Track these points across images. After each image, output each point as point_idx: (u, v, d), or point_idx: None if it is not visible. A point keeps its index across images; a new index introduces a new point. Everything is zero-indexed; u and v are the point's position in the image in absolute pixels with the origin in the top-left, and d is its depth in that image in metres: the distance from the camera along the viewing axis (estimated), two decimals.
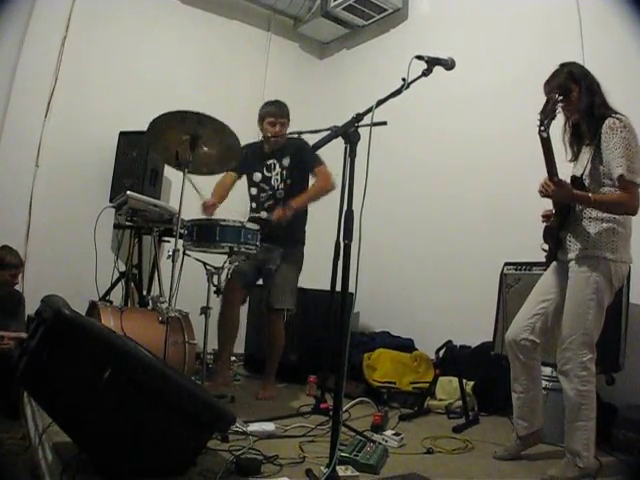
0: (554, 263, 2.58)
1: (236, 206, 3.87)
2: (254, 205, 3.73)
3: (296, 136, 3.61)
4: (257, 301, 3.69)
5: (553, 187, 2.31)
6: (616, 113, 2.35)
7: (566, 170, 2.46)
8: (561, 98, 2.29)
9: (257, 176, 3.72)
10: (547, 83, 2.46)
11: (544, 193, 2.38)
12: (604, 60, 3.32)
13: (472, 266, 4.09)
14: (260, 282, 3.75)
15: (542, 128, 2.22)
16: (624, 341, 2.90)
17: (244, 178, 3.81)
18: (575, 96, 2.39)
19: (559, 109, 2.30)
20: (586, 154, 2.44)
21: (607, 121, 2.32)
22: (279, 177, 3.68)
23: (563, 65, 2.47)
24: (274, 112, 3.64)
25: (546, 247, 2.61)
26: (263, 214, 3.61)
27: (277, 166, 3.69)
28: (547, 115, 2.23)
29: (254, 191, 3.73)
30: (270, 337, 3.65)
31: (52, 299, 2.04)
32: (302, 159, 3.64)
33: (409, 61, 2.21)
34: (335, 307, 2.64)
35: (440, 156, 4.51)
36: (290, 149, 3.68)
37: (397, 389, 3.69)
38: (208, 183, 3.58)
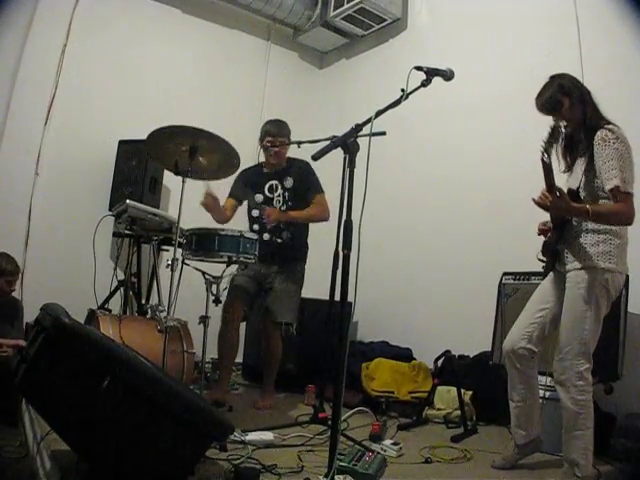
0: (552, 273, 2.58)
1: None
2: (256, 227, 3.63)
3: (300, 151, 3.39)
4: (256, 311, 3.66)
5: (551, 198, 2.31)
6: (609, 123, 2.35)
7: (560, 181, 2.44)
8: (565, 125, 2.31)
9: (259, 197, 3.69)
10: (538, 97, 2.47)
11: (542, 204, 2.35)
12: (602, 68, 3.36)
13: (470, 276, 4.09)
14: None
15: (546, 155, 2.24)
16: (622, 350, 2.90)
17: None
18: (567, 108, 2.40)
19: (562, 134, 2.32)
20: (580, 166, 2.44)
21: (599, 132, 2.32)
22: (281, 198, 3.65)
23: (553, 78, 2.47)
24: (273, 132, 3.61)
25: (542, 257, 2.61)
26: (266, 236, 3.56)
27: (279, 187, 3.66)
28: (551, 143, 2.25)
29: (256, 213, 3.67)
30: (268, 348, 3.64)
31: (51, 307, 2.03)
32: (305, 182, 3.64)
33: (408, 71, 2.23)
34: (334, 316, 2.64)
35: (439, 166, 4.53)
36: (293, 170, 3.66)
37: (395, 398, 3.68)
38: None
